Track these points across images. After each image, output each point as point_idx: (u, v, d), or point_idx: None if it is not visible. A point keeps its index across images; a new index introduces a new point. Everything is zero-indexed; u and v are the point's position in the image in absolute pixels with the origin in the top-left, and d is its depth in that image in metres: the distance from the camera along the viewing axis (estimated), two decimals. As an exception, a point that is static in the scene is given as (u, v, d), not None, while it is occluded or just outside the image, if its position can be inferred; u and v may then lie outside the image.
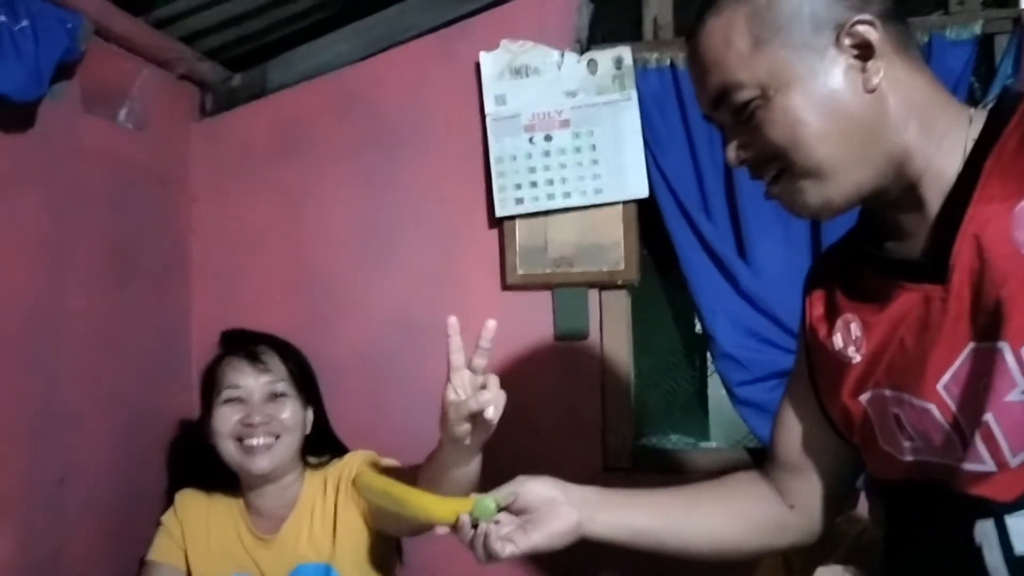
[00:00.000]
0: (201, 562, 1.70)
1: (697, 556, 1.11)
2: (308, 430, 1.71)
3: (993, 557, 0.82)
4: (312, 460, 1.72)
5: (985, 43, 1.81)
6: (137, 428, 1.94)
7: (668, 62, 1.92)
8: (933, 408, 0.85)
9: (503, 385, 1.98)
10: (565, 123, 1.97)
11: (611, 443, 1.99)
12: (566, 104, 1.97)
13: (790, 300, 1.82)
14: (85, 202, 1.80)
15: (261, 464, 1.62)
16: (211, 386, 1.70)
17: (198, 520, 1.73)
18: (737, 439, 2.03)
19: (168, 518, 1.76)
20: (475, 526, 1.06)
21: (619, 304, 2.02)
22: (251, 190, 2.20)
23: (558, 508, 1.07)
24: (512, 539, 1.04)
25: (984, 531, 0.82)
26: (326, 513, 1.66)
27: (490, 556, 1.04)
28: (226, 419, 1.65)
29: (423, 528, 1.35)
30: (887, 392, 0.90)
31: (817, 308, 1.02)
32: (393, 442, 1.92)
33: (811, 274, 1.06)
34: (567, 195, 1.96)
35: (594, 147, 1.95)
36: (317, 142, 2.17)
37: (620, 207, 1.95)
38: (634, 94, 1.93)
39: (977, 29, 1.78)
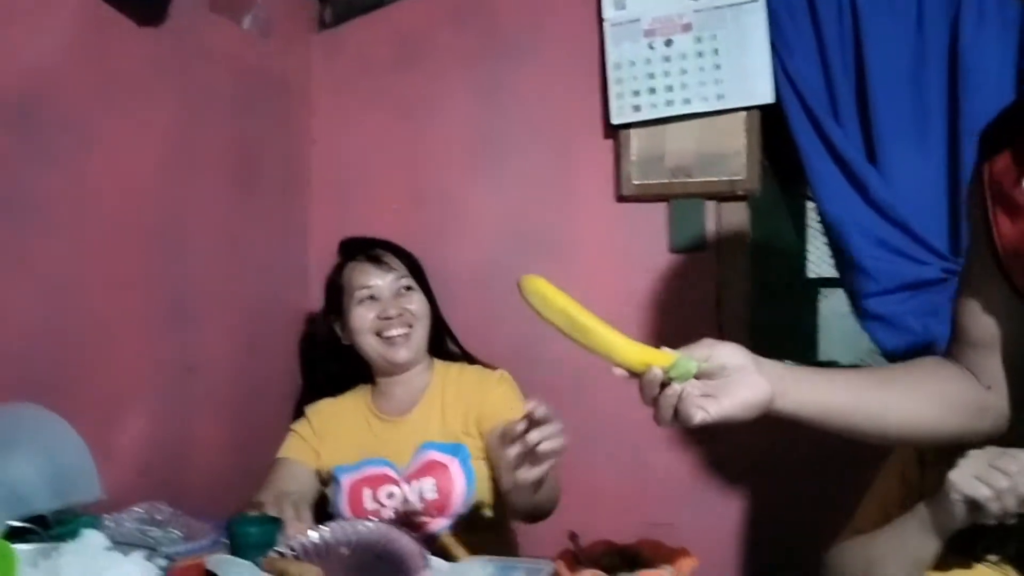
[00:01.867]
0: (331, 456, 1.77)
1: (889, 438, 1.07)
2: (432, 320, 1.81)
3: None
4: (443, 357, 1.84)
5: None
6: (257, 326, 2.02)
7: (799, -40, 1.83)
8: None
9: (614, 294, 1.99)
10: (687, 27, 1.91)
11: (725, 357, 1.95)
12: (689, 7, 1.90)
13: (924, 208, 1.75)
14: (212, 104, 1.85)
15: (402, 353, 1.75)
16: (339, 291, 1.81)
17: (329, 424, 1.81)
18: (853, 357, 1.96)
19: (299, 425, 1.83)
20: (663, 385, 0.98)
21: (738, 216, 1.96)
22: (369, 101, 2.22)
23: (749, 377, 0.98)
24: (703, 406, 0.96)
25: None
26: (454, 417, 1.73)
27: (678, 419, 0.97)
28: (363, 317, 1.76)
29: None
30: None
31: (1000, 162, 1.00)
32: (505, 352, 1.95)
33: (988, 133, 1.03)
34: (687, 101, 1.91)
35: (717, 51, 1.88)
36: (434, 52, 2.17)
37: (743, 114, 1.89)
38: (761, -4, 1.84)
39: None
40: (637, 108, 1.94)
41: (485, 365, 1.84)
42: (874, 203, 1.75)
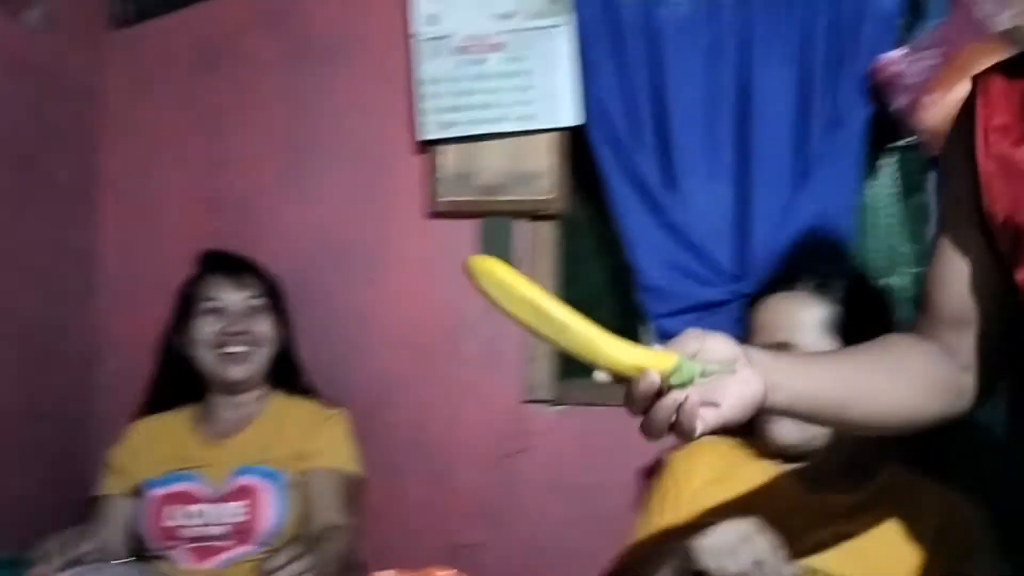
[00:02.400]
0: (147, 469, 1.70)
1: (877, 426, 0.98)
2: (279, 347, 1.79)
3: None
4: (283, 387, 1.80)
5: (918, -18, 1.80)
6: (36, 354, 1.86)
7: (605, -14, 1.88)
8: None
9: (424, 311, 1.98)
10: (498, 46, 1.92)
11: (532, 375, 1.97)
12: (500, 27, 1.91)
13: (715, 232, 1.83)
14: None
15: (236, 372, 1.73)
16: (188, 301, 1.77)
17: (147, 441, 1.75)
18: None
19: (112, 453, 1.75)
20: (659, 392, 0.81)
21: (547, 235, 1.98)
22: (169, 106, 2.11)
23: (741, 372, 0.84)
24: (701, 413, 0.82)
25: None
26: (279, 448, 1.70)
27: (675, 431, 0.81)
28: (206, 329, 1.73)
29: None
30: None
31: (997, 118, 0.94)
32: (309, 365, 1.89)
33: (982, 84, 0.98)
34: (497, 120, 1.91)
35: (527, 72, 1.90)
36: (240, 57, 2.09)
37: (551, 134, 1.91)
38: (570, 19, 1.88)
39: (911, -33, 1.77)
40: (447, 125, 1.93)
41: (327, 403, 1.81)
42: (669, 226, 1.82)
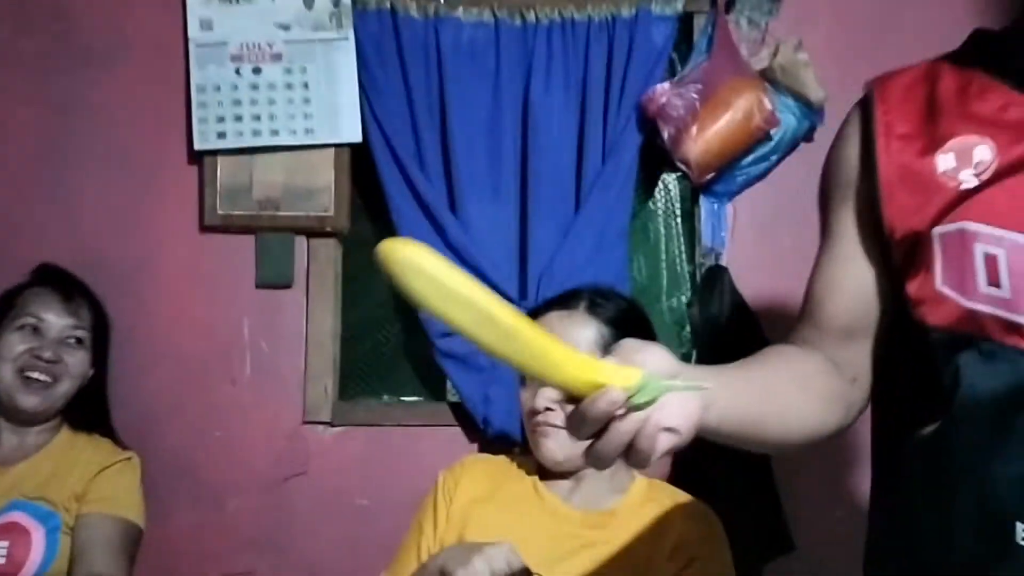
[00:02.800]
0: None
1: (786, 444, 0.90)
2: (84, 383, 1.66)
3: None
4: (77, 422, 1.67)
5: (686, 21, 1.91)
6: None
7: (388, 6, 1.87)
8: None
9: (195, 328, 1.88)
10: (277, 57, 1.86)
11: (312, 395, 1.91)
12: (278, 37, 1.86)
13: (496, 254, 1.86)
14: None
15: (31, 401, 1.59)
16: (5, 309, 1.63)
17: None
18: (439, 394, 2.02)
19: None
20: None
21: (327, 253, 1.94)
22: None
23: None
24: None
25: None
26: (60, 485, 1.57)
27: (630, 458, 0.70)
28: (14, 345, 1.59)
29: None
30: (992, 230, 0.81)
31: (900, 126, 0.90)
32: None
33: (879, 90, 0.93)
34: (275, 132, 1.85)
35: (306, 85, 1.86)
36: (-10, 52, 1.91)
37: (332, 150, 1.88)
38: (351, 34, 1.85)
39: (679, 7, 1.87)
40: (222, 135, 1.85)
41: (121, 446, 1.68)
42: (451, 247, 1.83)
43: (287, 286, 1.91)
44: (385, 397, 2.01)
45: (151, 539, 1.81)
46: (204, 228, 1.90)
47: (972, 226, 0.83)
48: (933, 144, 0.88)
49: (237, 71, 1.85)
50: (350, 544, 1.85)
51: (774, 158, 1.87)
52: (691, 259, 1.97)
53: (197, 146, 1.86)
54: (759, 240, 1.92)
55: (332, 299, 1.94)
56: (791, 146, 1.88)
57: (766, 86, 1.83)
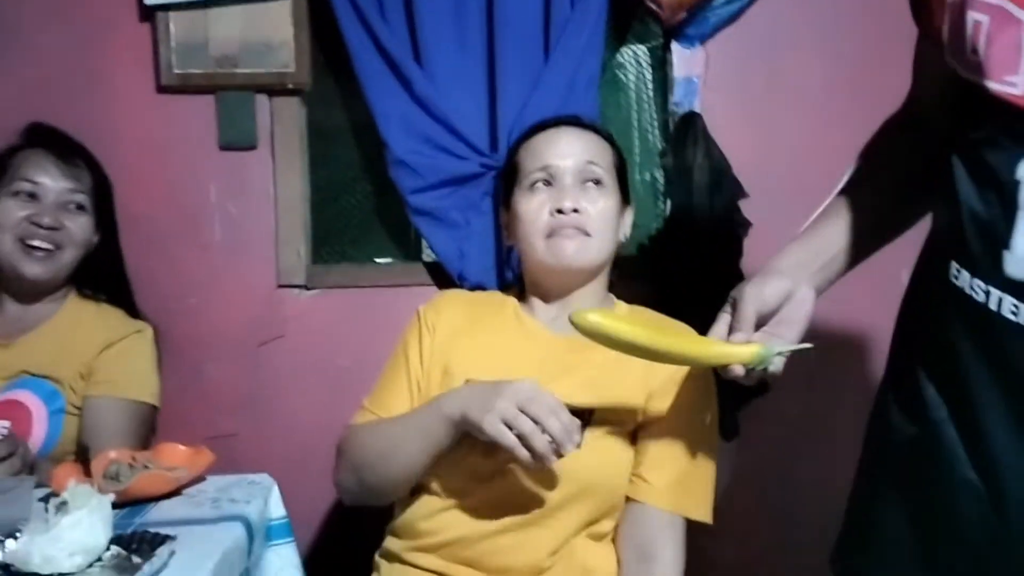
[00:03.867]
0: None
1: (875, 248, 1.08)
2: (90, 249, 1.60)
3: None
4: (87, 291, 1.63)
5: None
6: None
7: None
8: None
9: (158, 194, 1.83)
10: (225, -99, 1.75)
11: (284, 259, 1.89)
12: None
13: (464, 105, 1.81)
14: None
15: (35, 270, 1.53)
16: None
17: None
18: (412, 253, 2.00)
19: None
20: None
21: (291, 111, 1.88)
22: None
23: (794, 296, 0.99)
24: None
25: None
26: (68, 359, 1.53)
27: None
28: (12, 212, 1.52)
29: None
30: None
31: None
32: None
33: None
34: (227, -17, 1.76)
35: (258, -69, 1.76)
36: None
37: (289, 2, 1.79)
38: None
39: None
40: (172, -12, 1.76)
41: (136, 316, 1.63)
42: (418, 99, 1.78)
43: (252, 147, 1.86)
44: (359, 259, 2.00)
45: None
46: (160, 88, 1.83)
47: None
48: None
49: (183, -83, 1.74)
50: (332, 403, 1.87)
51: (746, -2, 1.82)
52: (664, 108, 1.93)
53: (147, 1, 1.76)
54: (732, 86, 1.89)
55: (299, 159, 1.89)
56: (764, -16, 1.83)
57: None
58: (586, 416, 1.22)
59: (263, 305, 1.90)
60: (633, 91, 1.98)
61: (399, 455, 1.23)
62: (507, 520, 1.22)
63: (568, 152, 1.37)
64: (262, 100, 1.86)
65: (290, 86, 1.83)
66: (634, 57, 1.98)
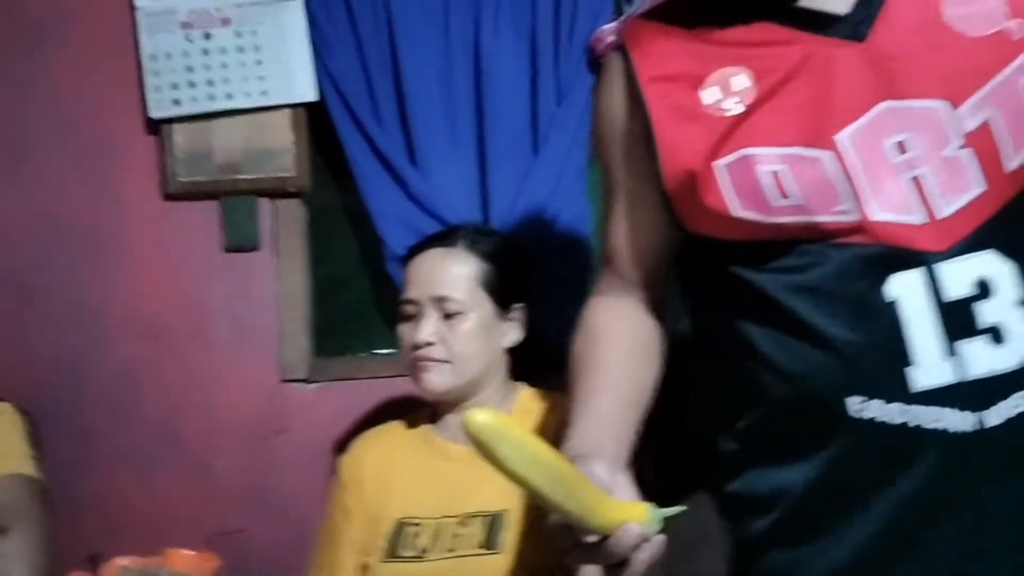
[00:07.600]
0: None
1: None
2: None
3: (917, 305, 0.84)
4: None
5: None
6: None
7: (334, -39, 1.88)
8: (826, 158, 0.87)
9: (166, 296, 1.90)
10: (226, 21, 1.86)
11: (287, 353, 1.95)
12: (226, 2, 1.86)
13: (457, 201, 1.88)
14: None
15: None
16: None
17: None
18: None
19: None
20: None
21: (292, 213, 1.96)
22: None
23: (616, 482, 0.87)
24: None
25: (904, 282, 0.85)
26: None
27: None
28: None
29: None
30: (761, 151, 0.89)
31: (653, 68, 0.96)
32: (44, 366, 1.84)
33: (632, 37, 0.99)
34: (230, 96, 1.86)
35: (258, 47, 1.87)
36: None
37: (289, 111, 1.89)
38: (300, -7, 1.86)
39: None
40: (177, 102, 1.86)
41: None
42: (414, 197, 1.86)
43: (255, 248, 1.94)
44: (360, 351, 2.05)
45: (138, 505, 1.87)
46: (167, 196, 1.91)
47: (751, 151, 0.89)
48: (695, 81, 0.94)
49: (188, 38, 1.85)
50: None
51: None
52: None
53: (153, 114, 1.86)
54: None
55: (300, 258, 1.96)
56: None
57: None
58: (501, 519, 1.26)
59: (267, 400, 1.95)
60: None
61: None
62: None
63: (425, 281, 1.44)
64: (264, 203, 1.94)
65: (291, 189, 1.92)
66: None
